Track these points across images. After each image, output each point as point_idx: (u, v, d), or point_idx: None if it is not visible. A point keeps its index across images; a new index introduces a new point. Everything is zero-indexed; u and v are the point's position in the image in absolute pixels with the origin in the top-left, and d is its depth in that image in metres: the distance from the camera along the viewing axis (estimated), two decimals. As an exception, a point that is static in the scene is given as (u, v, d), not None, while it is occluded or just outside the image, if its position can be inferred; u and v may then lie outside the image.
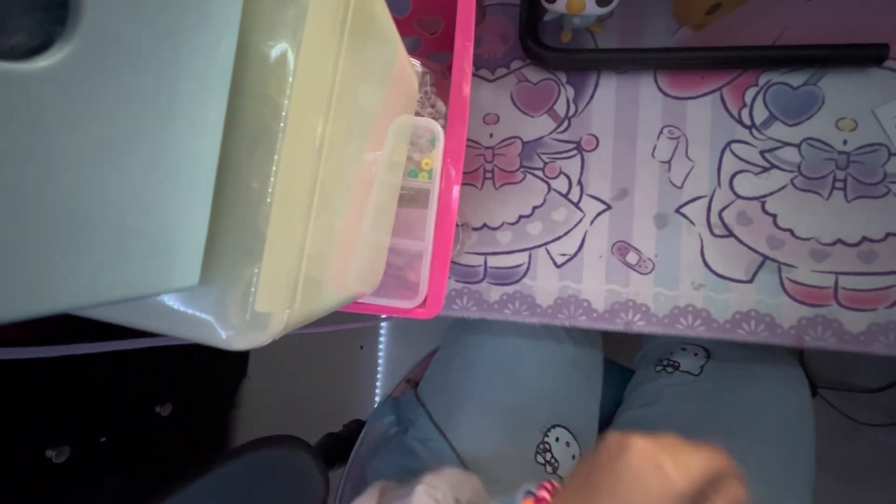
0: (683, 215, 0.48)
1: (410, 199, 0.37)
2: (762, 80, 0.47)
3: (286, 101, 0.20)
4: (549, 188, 0.51)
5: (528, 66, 0.52)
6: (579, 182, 0.51)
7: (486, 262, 0.52)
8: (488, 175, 0.53)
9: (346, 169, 0.27)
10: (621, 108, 0.50)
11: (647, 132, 0.49)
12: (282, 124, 0.20)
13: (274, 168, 0.20)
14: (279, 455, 0.57)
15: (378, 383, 1.20)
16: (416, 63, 0.42)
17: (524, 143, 0.52)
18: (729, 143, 0.48)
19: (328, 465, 0.63)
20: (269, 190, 0.20)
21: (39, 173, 0.13)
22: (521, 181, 0.52)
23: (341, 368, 1.21)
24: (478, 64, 0.53)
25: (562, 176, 0.51)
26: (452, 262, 0.53)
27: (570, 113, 0.51)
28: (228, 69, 0.19)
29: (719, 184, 0.48)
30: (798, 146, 0.46)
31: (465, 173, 0.53)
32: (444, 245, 0.36)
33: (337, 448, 0.75)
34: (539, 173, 0.52)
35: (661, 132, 0.49)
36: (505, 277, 0.52)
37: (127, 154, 0.16)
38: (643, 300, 0.49)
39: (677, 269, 0.48)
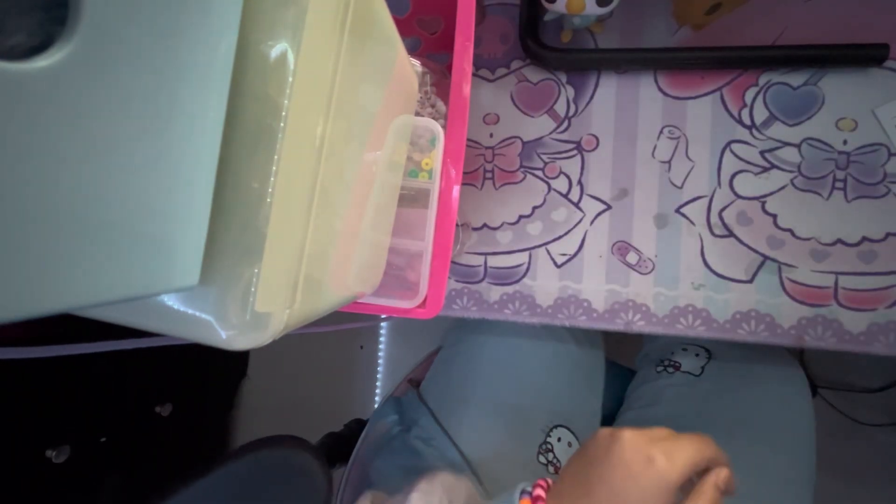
0: (683, 215, 0.48)
1: (410, 199, 0.37)
2: (762, 80, 0.47)
3: (286, 101, 0.20)
4: (549, 188, 0.51)
5: (528, 66, 0.52)
6: (579, 182, 0.51)
7: (486, 262, 0.52)
8: (488, 175, 0.53)
9: (346, 169, 0.27)
10: (621, 108, 0.50)
11: (647, 132, 0.49)
12: (282, 124, 0.20)
13: (274, 168, 0.20)
14: (282, 455, 0.56)
15: (378, 383, 1.20)
16: (416, 63, 0.42)
17: (524, 143, 0.52)
18: (729, 143, 0.48)
19: (330, 465, 0.63)
20: (269, 190, 0.20)
21: (39, 173, 0.13)
22: (521, 181, 0.52)
23: (341, 368, 1.21)
24: (478, 64, 0.53)
25: (562, 176, 0.51)
26: (452, 262, 0.53)
27: (570, 113, 0.51)
28: (228, 69, 0.19)
29: (719, 184, 0.48)
30: (798, 146, 0.46)
31: (465, 173, 0.53)
32: (444, 245, 0.36)
33: (338, 448, 0.75)
34: (539, 173, 0.52)
35: (661, 132, 0.49)
36: (505, 277, 0.52)
37: (127, 154, 0.16)
38: (643, 300, 0.49)
39: (677, 269, 0.48)
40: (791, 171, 0.46)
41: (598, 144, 0.50)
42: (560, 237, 0.51)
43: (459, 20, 0.37)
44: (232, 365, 1.00)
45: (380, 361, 1.20)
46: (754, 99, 0.47)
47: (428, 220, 0.36)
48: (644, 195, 0.49)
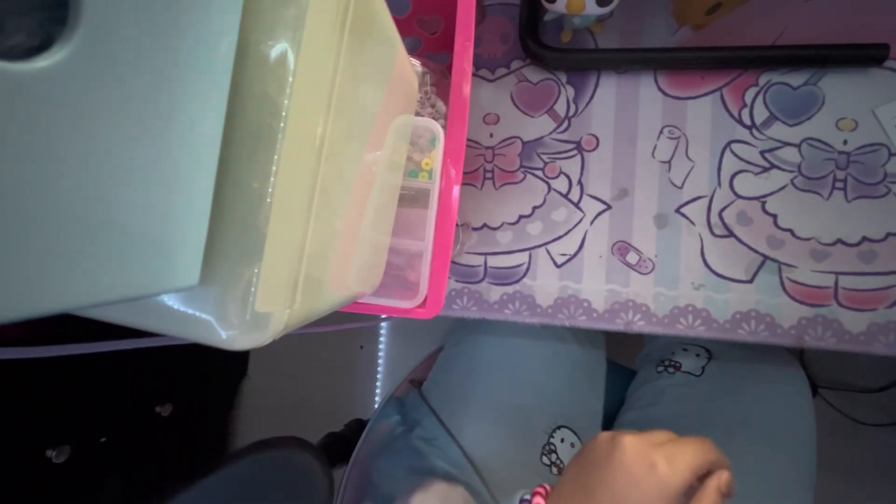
0: (683, 215, 0.48)
1: (410, 199, 0.37)
2: (762, 80, 0.47)
3: (286, 101, 0.20)
4: (549, 188, 0.51)
5: (528, 66, 0.52)
6: (579, 182, 0.51)
7: (486, 262, 0.52)
8: (488, 175, 0.53)
9: (347, 169, 0.27)
10: (621, 108, 0.50)
11: (647, 132, 0.49)
12: (282, 124, 0.20)
13: (274, 168, 0.20)
14: (283, 456, 0.57)
15: (378, 383, 1.20)
16: (416, 63, 0.42)
17: (524, 143, 0.52)
18: (729, 143, 0.48)
19: (330, 465, 0.63)
20: (269, 190, 0.20)
21: (39, 173, 0.13)
22: (521, 181, 0.52)
23: (341, 368, 1.21)
24: (478, 64, 0.53)
25: (562, 176, 0.51)
26: (452, 262, 0.53)
27: (570, 113, 0.51)
28: (228, 69, 0.19)
29: (719, 184, 0.48)
30: (798, 146, 0.46)
31: (465, 173, 0.53)
32: (444, 245, 0.36)
33: (338, 448, 0.75)
34: (539, 173, 0.52)
35: (661, 132, 0.49)
36: (505, 277, 0.52)
37: (127, 154, 0.16)
38: (643, 300, 0.49)
39: (677, 269, 0.48)
40: (791, 171, 0.46)
41: (598, 144, 0.51)
42: (560, 237, 0.51)
43: (459, 20, 0.37)
44: (232, 365, 1.00)
45: (380, 361, 1.20)
46: (754, 99, 0.47)
47: (428, 220, 0.35)
48: (644, 195, 0.49)
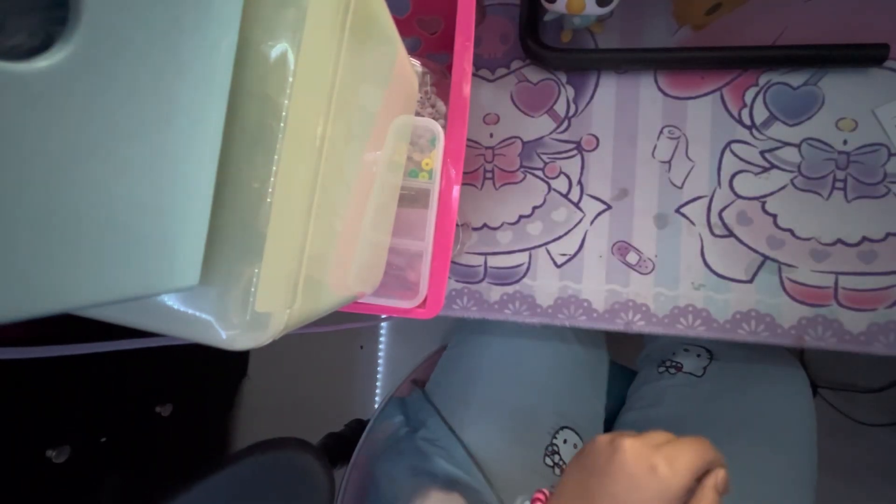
0: (683, 215, 0.48)
1: (410, 199, 0.37)
2: (762, 80, 0.47)
3: (286, 101, 0.20)
4: (549, 188, 0.51)
5: (528, 66, 0.52)
6: (579, 182, 0.51)
7: (486, 262, 0.52)
8: (488, 175, 0.53)
9: (347, 169, 0.27)
10: (621, 108, 0.50)
11: (647, 132, 0.49)
12: (282, 124, 0.20)
13: (274, 168, 0.20)
14: (284, 457, 0.57)
15: (378, 383, 1.20)
16: (416, 63, 0.42)
17: (524, 143, 0.52)
18: (729, 143, 0.48)
19: (331, 465, 0.63)
20: (269, 190, 0.20)
21: (39, 173, 0.13)
22: (521, 181, 0.52)
23: (341, 368, 1.21)
24: (478, 64, 0.53)
25: (562, 176, 0.51)
26: (452, 262, 0.53)
27: (570, 113, 0.51)
28: (229, 69, 0.19)
29: (719, 184, 0.48)
30: (798, 146, 0.46)
31: (465, 173, 0.53)
32: (444, 245, 0.36)
33: (339, 448, 0.75)
34: (539, 173, 0.52)
35: (661, 132, 0.49)
36: (505, 277, 0.52)
37: (127, 154, 0.16)
38: (643, 300, 0.49)
39: (677, 269, 0.48)
40: (791, 171, 0.46)
41: (598, 144, 0.51)
42: (560, 237, 0.51)
43: (459, 20, 0.37)
44: (232, 365, 1.00)
45: (380, 361, 1.20)
46: (754, 99, 0.47)
47: (428, 220, 0.35)
48: (644, 195, 0.49)
